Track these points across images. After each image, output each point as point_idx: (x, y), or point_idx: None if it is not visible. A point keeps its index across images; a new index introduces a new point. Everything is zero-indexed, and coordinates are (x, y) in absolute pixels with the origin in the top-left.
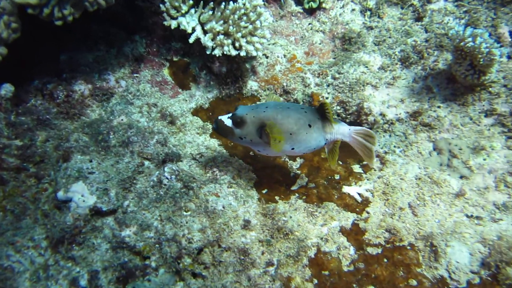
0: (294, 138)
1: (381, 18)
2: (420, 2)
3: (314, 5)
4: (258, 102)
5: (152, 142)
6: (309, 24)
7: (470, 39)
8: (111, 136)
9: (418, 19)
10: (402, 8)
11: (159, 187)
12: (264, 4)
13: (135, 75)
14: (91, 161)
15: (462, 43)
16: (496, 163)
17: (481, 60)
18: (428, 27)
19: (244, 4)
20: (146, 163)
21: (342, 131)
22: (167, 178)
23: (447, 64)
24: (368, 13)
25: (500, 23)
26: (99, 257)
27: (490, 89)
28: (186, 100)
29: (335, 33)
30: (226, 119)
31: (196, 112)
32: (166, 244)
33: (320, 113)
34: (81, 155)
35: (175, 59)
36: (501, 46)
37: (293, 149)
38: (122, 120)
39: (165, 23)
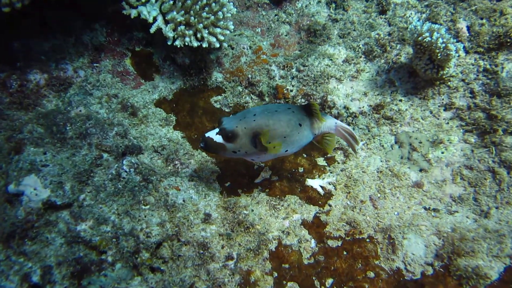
0: (288, 140)
1: (346, 10)
2: None
3: None
4: (242, 110)
5: (112, 134)
6: (276, 15)
7: (427, 34)
8: (68, 128)
9: (382, 12)
10: (366, 1)
11: (118, 181)
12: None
13: (95, 64)
14: (45, 153)
15: (420, 38)
16: (453, 156)
17: (439, 55)
18: (391, 21)
19: None
20: (105, 155)
21: (329, 124)
22: (125, 171)
23: (409, 58)
24: (334, 5)
25: (458, 18)
26: (52, 252)
27: (449, 83)
28: (149, 91)
29: (301, 25)
30: (215, 136)
31: (159, 103)
32: (123, 239)
33: (307, 110)
34: (35, 147)
35: (137, 49)
36: (458, 41)
37: (287, 151)
38: (80, 111)
39: (124, 12)
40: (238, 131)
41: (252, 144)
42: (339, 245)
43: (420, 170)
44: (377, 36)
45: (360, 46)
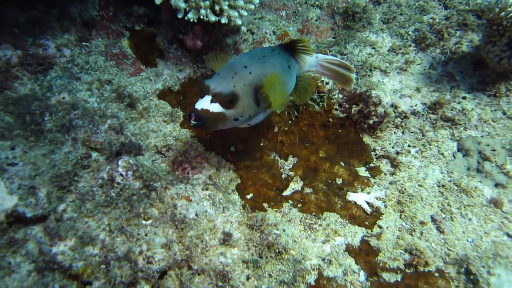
0: (285, 88)
1: None
2: None
3: None
4: (224, 65)
5: (103, 128)
6: None
7: None
8: (46, 118)
9: None
10: None
11: (110, 187)
12: None
13: (84, 43)
14: (13, 148)
15: (503, 13)
16: None
17: None
18: (448, 3)
19: None
20: (94, 154)
21: (310, 62)
22: (121, 174)
23: (474, 46)
24: None
25: None
26: (17, 283)
27: None
28: (151, 80)
29: (335, 8)
30: (210, 105)
31: (163, 95)
32: (115, 265)
33: (291, 49)
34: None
35: (137, 27)
36: None
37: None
38: (63, 98)
39: None
40: (238, 91)
41: (255, 103)
42: (399, 280)
43: (496, 185)
44: (431, 20)
45: (410, 32)
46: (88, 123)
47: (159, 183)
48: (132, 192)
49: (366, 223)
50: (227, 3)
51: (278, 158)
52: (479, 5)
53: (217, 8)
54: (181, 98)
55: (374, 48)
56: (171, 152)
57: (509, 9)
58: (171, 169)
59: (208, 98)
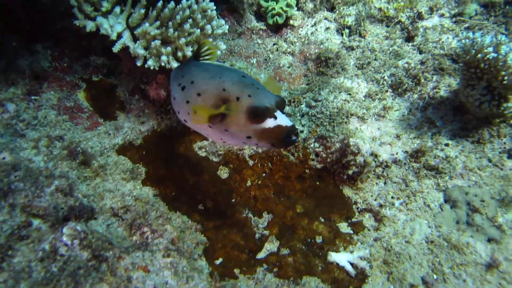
0: None
1: (363, 36)
2: (409, 19)
3: (280, 21)
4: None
5: (49, 190)
6: (274, 44)
7: (490, 49)
8: None
9: (409, 38)
10: (387, 26)
11: (52, 260)
12: (217, 17)
13: (32, 97)
14: None
15: (479, 55)
16: None
17: (506, 78)
18: (422, 47)
19: (189, 6)
20: (36, 222)
21: None
22: (66, 244)
23: (452, 91)
24: (347, 31)
25: None
26: None
27: (511, 121)
28: (110, 134)
29: (307, 54)
30: (289, 121)
31: (124, 150)
32: None
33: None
34: None
35: (95, 78)
36: None
37: None
38: (3, 158)
39: (77, 22)
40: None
41: None
42: None
43: (489, 240)
44: (406, 65)
45: (385, 78)
46: (31, 186)
47: (111, 252)
48: (78, 265)
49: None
50: (190, 49)
51: (252, 216)
52: (454, 49)
53: (179, 54)
54: (144, 152)
55: (349, 94)
56: (129, 214)
57: (485, 50)
58: (128, 234)
59: (280, 114)
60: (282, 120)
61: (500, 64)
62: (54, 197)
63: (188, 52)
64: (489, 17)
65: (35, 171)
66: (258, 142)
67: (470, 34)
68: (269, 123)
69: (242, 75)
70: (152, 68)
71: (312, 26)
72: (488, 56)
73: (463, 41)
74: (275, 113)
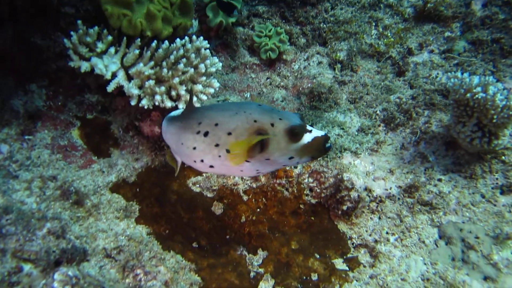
0: None
1: (355, 71)
2: (399, 55)
3: (273, 56)
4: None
5: (41, 234)
6: (268, 78)
7: (479, 89)
8: None
9: (400, 73)
10: (378, 61)
11: None
12: (211, 53)
13: (26, 137)
14: None
15: (468, 95)
16: None
17: (495, 117)
18: (413, 82)
19: (183, 45)
20: (27, 267)
21: None
22: None
23: (443, 126)
24: (339, 66)
25: (503, 77)
26: None
27: (503, 157)
28: (103, 172)
29: (300, 88)
30: (321, 131)
31: (117, 187)
32: None
33: None
34: None
35: (89, 116)
36: None
37: None
38: None
39: (72, 64)
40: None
41: None
42: None
43: (485, 279)
44: (398, 100)
45: (378, 112)
46: (22, 229)
47: None
48: None
49: None
50: (184, 88)
51: (246, 253)
52: (444, 85)
53: (173, 93)
54: (137, 189)
55: (342, 128)
56: (122, 255)
57: (474, 90)
58: (121, 276)
59: (310, 127)
60: (316, 132)
61: (489, 103)
62: (46, 240)
63: (182, 91)
64: (477, 54)
65: (27, 213)
66: (300, 160)
67: (459, 74)
68: (307, 138)
69: (258, 104)
70: (146, 107)
71: (304, 60)
72: (477, 96)
73: (452, 80)
74: (307, 127)
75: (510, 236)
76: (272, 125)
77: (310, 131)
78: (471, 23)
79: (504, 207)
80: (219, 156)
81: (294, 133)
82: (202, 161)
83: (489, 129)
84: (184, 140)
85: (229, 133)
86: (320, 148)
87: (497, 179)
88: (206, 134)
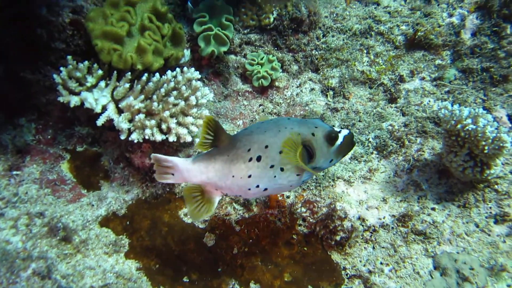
0: None
1: (347, 98)
2: (391, 82)
3: (265, 83)
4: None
5: (25, 275)
6: (260, 105)
7: (469, 120)
8: None
9: (392, 100)
10: (370, 87)
11: None
12: (204, 81)
13: (14, 173)
14: None
15: (459, 126)
16: None
17: (486, 148)
18: (405, 110)
19: (174, 77)
20: None
21: None
22: None
23: (436, 154)
24: (331, 92)
25: (494, 106)
26: None
27: (495, 186)
28: (93, 205)
29: (293, 116)
30: (345, 129)
31: (107, 221)
32: None
33: None
34: None
35: (79, 149)
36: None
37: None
38: None
39: (61, 99)
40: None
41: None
42: None
43: None
44: (390, 127)
45: (370, 139)
46: (6, 271)
47: None
48: None
49: None
50: (175, 121)
51: (238, 287)
52: (435, 112)
53: (164, 126)
54: (127, 223)
55: None
56: None
57: (464, 122)
58: None
59: (337, 128)
60: (343, 131)
61: (480, 135)
62: (30, 282)
63: (172, 124)
64: (468, 82)
65: (12, 253)
66: (336, 161)
67: (449, 105)
68: (339, 139)
69: (288, 118)
70: (136, 141)
71: (297, 87)
72: (467, 127)
73: (443, 111)
74: (336, 129)
75: (505, 267)
76: (313, 134)
77: (340, 132)
78: (461, 51)
79: (498, 237)
80: (274, 176)
81: (332, 138)
82: (257, 186)
83: (481, 159)
84: (236, 171)
85: (280, 152)
86: (350, 144)
87: (490, 208)
88: (259, 159)
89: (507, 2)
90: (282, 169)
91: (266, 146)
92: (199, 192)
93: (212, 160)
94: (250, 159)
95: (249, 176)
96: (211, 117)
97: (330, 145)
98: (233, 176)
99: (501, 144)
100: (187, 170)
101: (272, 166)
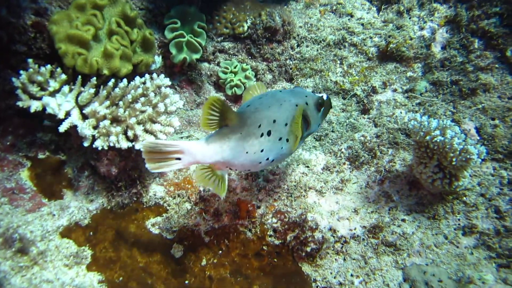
0: None
1: None
2: (364, 93)
3: (239, 92)
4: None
5: None
6: None
7: (437, 132)
8: None
9: (364, 111)
10: (344, 98)
11: None
12: (176, 88)
13: None
14: None
15: (427, 138)
16: None
17: (454, 160)
18: (377, 121)
19: (143, 83)
20: None
21: None
22: None
23: (406, 165)
24: None
25: (462, 118)
26: None
27: (464, 198)
28: (54, 215)
29: None
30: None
31: (68, 232)
32: None
33: None
34: None
35: (41, 156)
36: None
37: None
38: None
39: (20, 103)
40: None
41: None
42: None
43: None
44: (362, 138)
45: (343, 150)
46: None
47: None
48: None
49: None
50: (141, 128)
51: None
52: (406, 124)
53: (130, 133)
54: (90, 233)
55: (307, 167)
56: None
57: (433, 133)
58: None
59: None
60: (323, 96)
61: (448, 147)
62: None
63: (139, 131)
64: (438, 94)
65: None
66: (321, 124)
67: (418, 117)
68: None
69: (280, 91)
70: (100, 148)
71: None
72: (435, 139)
73: (412, 122)
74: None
75: (471, 279)
76: (307, 103)
77: (322, 97)
78: (432, 64)
79: (466, 248)
80: (281, 148)
81: (320, 104)
82: (267, 159)
83: (449, 171)
84: (249, 148)
85: (286, 124)
86: (330, 106)
87: (459, 220)
88: (269, 133)
89: (474, 17)
90: (287, 140)
91: (274, 121)
92: (211, 172)
93: (226, 139)
94: (262, 135)
95: (262, 151)
96: (215, 97)
97: (318, 111)
98: (246, 153)
99: (468, 156)
100: (201, 152)
101: (280, 139)
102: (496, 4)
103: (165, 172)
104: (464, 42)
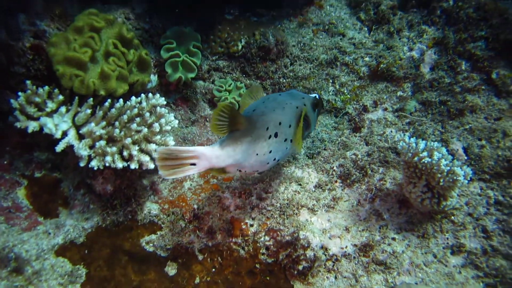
0: None
1: None
2: (355, 111)
3: None
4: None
5: None
6: None
7: (425, 154)
8: None
9: (356, 129)
10: (336, 116)
11: None
12: (171, 106)
13: None
14: None
15: (415, 158)
16: None
17: (441, 180)
18: (368, 139)
19: (139, 103)
20: None
21: None
22: None
23: (396, 184)
24: None
25: (451, 138)
26: None
27: (452, 217)
28: (49, 234)
29: None
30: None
31: (63, 250)
32: None
33: None
34: None
35: (37, 174)
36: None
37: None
38: None
39: (18, 124)
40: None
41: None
42: None
43: None
44: (353, 157)
45: (335, 168)
46: None
47: None
48: None
49: None
50: (137, 148)
51: None
52: (396, 143)
53: (126, 153)
54: (86, 251)
55: (300, 184)
56: None
57: (421, 155)
58: None
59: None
60: (315, 95)
61: (435, 168)
62: None
63: (134, 151)
64: (427, 114)
65: None
66: (316, 122)
67: (406, 138)
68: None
69: (279, 94)
70: (95, 168)
71: None
72: (423, 160)
73: (401, 143)
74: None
75: None
76: (305, 105)
77: (316, 96)
78: (421, 84)
79: (454, 268)
80: (286, 148)
81: (315, 104)
82: (274, 159)
83: (437, 191)
84: (259, 149)
85: (289, 126)
86: (322, 105)
87: (447, 239)
88: (276, 135)
89: (461, 40)
90: (291, 141)
91: (280, 123)
92: (224, 174)
93: (238, 142)
94: (270, 137)
95: (270, 152)
96: (225, 104)
97: (314, 111)
98: (257, 154)
99: (455, 178)
100: (216, 156)
101: (285, 140)
102: (482, 28)
103: (178, 178)
104: (452, 64)
